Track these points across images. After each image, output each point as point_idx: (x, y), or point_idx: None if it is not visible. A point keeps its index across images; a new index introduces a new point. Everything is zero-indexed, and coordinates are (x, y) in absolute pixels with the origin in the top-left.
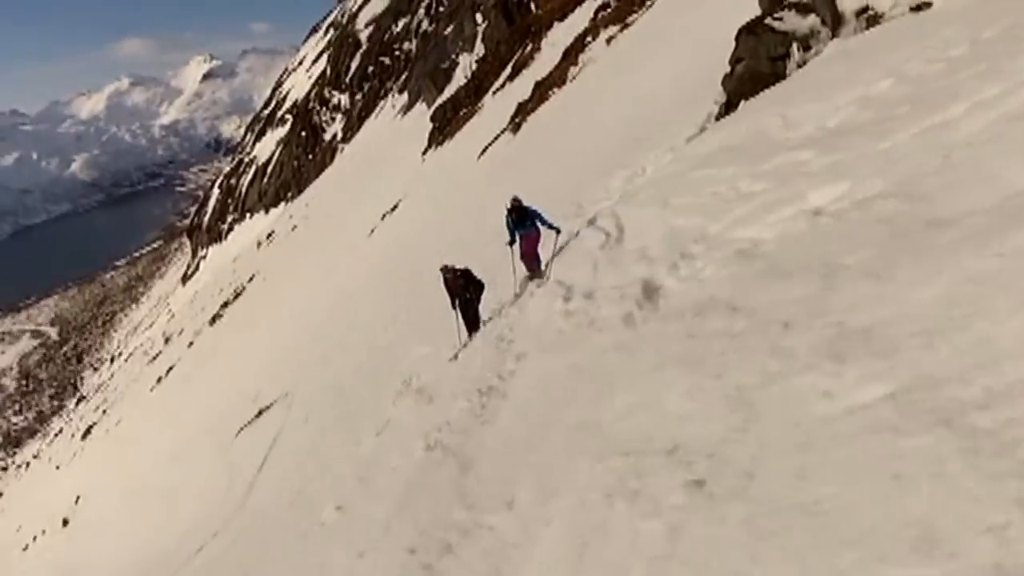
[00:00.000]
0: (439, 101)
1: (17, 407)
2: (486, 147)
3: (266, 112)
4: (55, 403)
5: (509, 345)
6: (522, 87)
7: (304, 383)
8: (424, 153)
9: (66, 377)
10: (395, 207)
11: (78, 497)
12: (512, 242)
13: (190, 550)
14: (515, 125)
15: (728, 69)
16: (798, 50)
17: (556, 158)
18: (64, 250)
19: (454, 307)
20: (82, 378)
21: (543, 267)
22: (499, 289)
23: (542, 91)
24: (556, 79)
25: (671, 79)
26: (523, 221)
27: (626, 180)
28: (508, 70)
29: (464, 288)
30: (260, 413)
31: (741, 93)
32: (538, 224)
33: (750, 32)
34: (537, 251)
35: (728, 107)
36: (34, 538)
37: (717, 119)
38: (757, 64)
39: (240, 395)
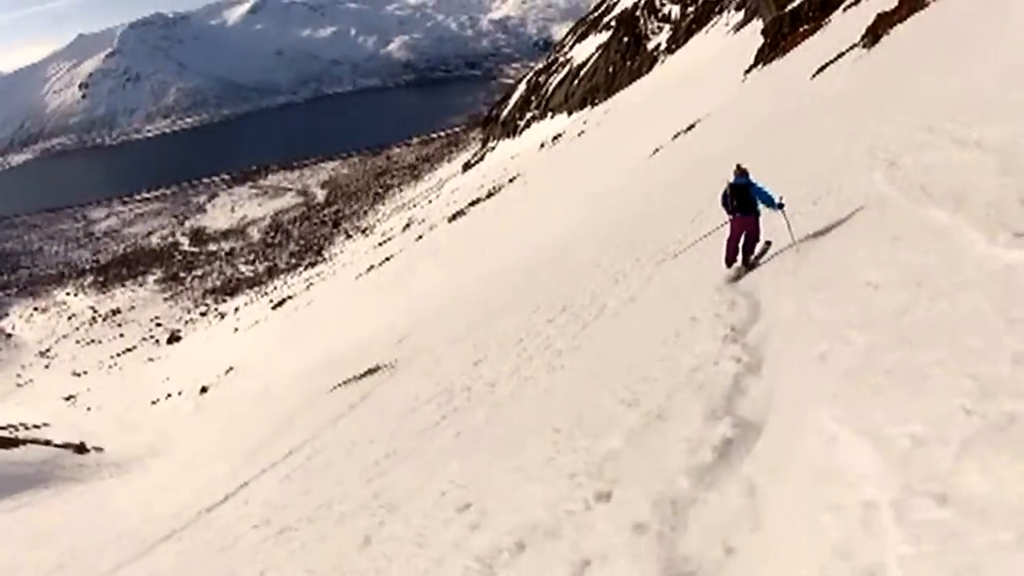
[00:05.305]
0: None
1: (252, 257)
2: (824, 65)
3: (593, 16)
4: (293, 260)
5: None
6: (884, 2)
7: (434, 341)
8: (747, 72)
9: (315, 238)
10: (690, 127)
11: (230, 368)
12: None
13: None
14: (871, 38)
15: None
16: None
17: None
18: (358, 121)
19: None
20: (331, 243)
21: (744, 259)
22: None
23: (913, 1)
24: None
25: None
26: (744, 202)
27: None
28: None
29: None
30: (367, 373)
31: None
32: (760, 206)
33: None
34: (746, 239)
35: None
36: (168, 395)
37: None
38: None
39: (391, 329)
